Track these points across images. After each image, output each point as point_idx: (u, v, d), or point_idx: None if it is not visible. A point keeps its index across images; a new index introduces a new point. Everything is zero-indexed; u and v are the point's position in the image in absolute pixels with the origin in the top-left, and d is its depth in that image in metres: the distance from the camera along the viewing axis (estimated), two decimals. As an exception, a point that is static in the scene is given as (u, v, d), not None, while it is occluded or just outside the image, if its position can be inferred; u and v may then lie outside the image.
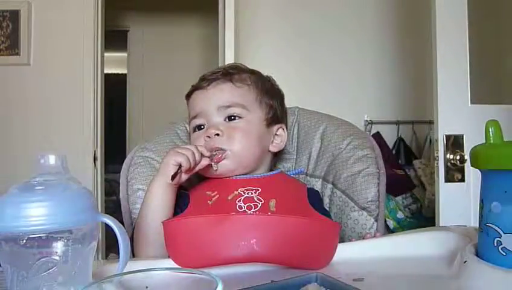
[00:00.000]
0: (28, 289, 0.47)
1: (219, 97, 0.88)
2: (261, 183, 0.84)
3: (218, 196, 0.80)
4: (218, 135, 0.85)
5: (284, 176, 0.92)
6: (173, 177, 0.77)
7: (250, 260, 0.65)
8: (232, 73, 0.91)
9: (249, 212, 0.77)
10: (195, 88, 0.92)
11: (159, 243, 0.74)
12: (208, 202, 0.80)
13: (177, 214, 0.80)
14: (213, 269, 0.62)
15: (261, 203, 0.78)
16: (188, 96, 0.94)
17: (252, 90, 0.91)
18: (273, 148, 0.93)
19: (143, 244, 0.79)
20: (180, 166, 0.78)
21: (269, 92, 0.94)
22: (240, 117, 0.87)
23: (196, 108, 0.90)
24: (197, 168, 0.81)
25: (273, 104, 0.93)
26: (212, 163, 0.83)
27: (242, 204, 0.78)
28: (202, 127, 0.89)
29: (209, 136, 0.85)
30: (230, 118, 0.87)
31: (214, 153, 0.83)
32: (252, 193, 0.80)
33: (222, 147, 0.84)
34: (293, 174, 0.96)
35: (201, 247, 0.66)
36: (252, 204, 0.78)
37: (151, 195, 0.81)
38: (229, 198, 0.80)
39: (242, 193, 0.80)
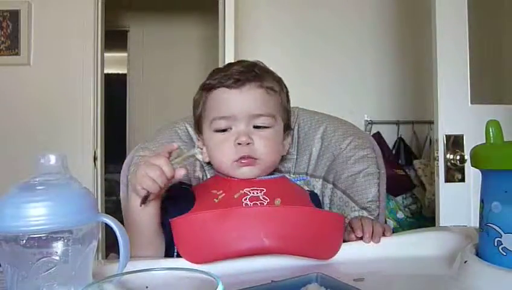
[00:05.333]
0: (28, 289, 0.46)
1: (252, 104, 0.86)
2: (266, 184, 0.85)
3: (224, 194, 0.81)
4: (248, 143, 0.84)
5: (287, 180, 0.93)
6: (143, 203, 0.71)
7: (260, 252, 0.65)
8: (260, 75, 0.88)
9: None
10: (221, 84, 0.87)
11: (150, 247, 0.76)
12: (214, 200, 0.80)
13: (182, 212, 0.78)
14: (213, 267, 0.62)
15: (266, 201, 0.80)
16: (209, 89, 0.89)
17: (278, 97, 0.91)
18: (283, 152, 0.95)
19: (135, 248, 0.77)
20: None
21: (287, 96, 0.95)
22: (268, 127, 0.87)
23: (224, 110, 0.86)
24: (174, 180, 0.73)
25: (289, 108, 0.95)
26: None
27: (248, 202, 0.79)
28: (226, 129, 0.86)
29: (240, 144, 0.84)
30: (259, 126, 0.87)
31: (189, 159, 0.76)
32: (257, 193, 0.81)
33: (252, 155, 0.84)
34: (296, 181, 0.97)
35: (210, 242, 0.67)
36: (258, 202, 0.79)
37: (133, 214, 0.76)
38: (235, 196, 0.80)
39: (248, 192, 0.81)
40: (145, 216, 0.75)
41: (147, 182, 0.69)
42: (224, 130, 0.86)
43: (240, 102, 0.85)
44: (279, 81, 0.94)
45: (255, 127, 0.86)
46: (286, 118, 0.93)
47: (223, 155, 0.86)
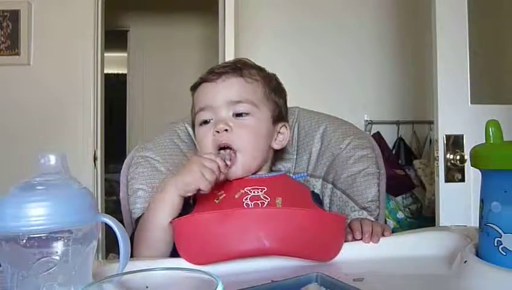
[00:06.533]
0: (28, 289, 0.47)
1: (229, 92, 0.86)
2: (267, 183, 0.84)
3: (224, 195, 0.81)
4: (226, 130, 0.84)
5: (288, 178, 0.93)
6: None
7: (260, 253, 0.65)
8: (242, 68, 0.89)
9: None
10: (202, 80, 0.90)
11: (161, 246, 0.76)
12: (215, 200, 0.80)
13: (183, 213, 0.79)
14: (214, 267, 0.62)
15: (267, 201, 0.79)
16: (195, 88, 0.92)
17: (260, 86, 0.90)
18: (276, 146, 0.93)
19: (144, 246, 0.78)
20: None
21: (275, 89, 0.94)
22: (248, 114, 0.86)
23: (204, 101, 0.88)
24: None
25: (279, 102, 0.93)
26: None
27: (249, 202, 0.79)
28: (208, 121, 0.87)
29: (218, 131, 0.84)
30: (239, 114, 0.86)
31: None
32: (258, 192, 0.81)
33: (230, 143, 0.83)
34: (296, 178, 0.96)
35: (210, 243, 0.67)
36: (258, 202, 0.79)
37: (162, 205, 0.77)
38: (236, 197, 0.80)
39: (248, 191, 0.81)
40: (175, 208, 0.76)
41: (205, 183, 0.74)
42: (207, 123, 0.87)
43: (217, 91, 0.87)
44: (264, 74, 0.93)
45: (236, 115, 0.86)
46: (274, 109, 0.91)
47: (204, 146, 0.86)
